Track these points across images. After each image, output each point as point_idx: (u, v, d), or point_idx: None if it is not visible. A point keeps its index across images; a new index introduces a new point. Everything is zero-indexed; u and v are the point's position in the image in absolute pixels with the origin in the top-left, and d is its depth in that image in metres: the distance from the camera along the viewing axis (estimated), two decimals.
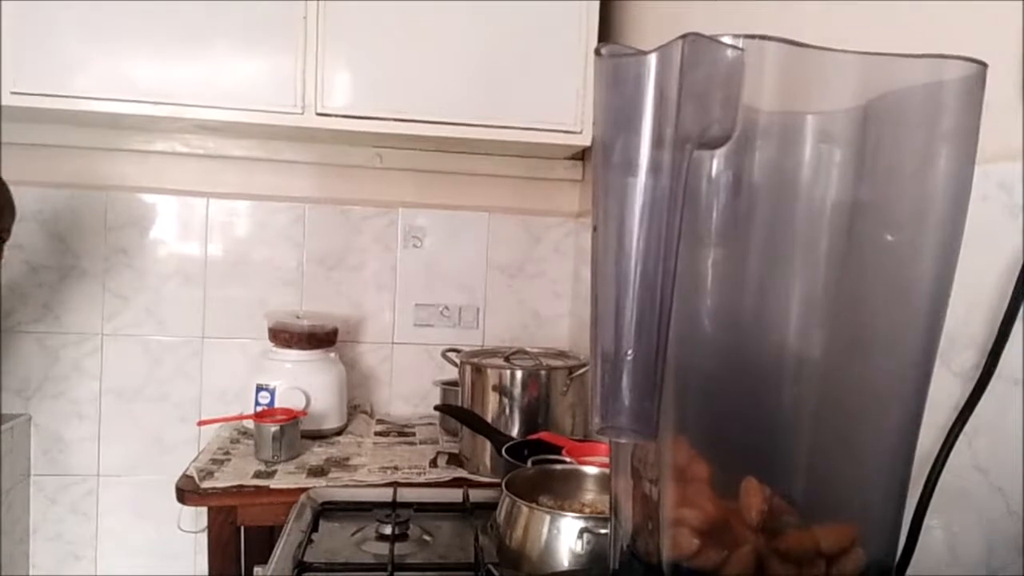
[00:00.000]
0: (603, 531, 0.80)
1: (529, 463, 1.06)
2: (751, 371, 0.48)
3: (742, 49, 0.38)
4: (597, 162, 0.40)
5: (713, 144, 0.40)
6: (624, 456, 0.52)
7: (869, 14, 0.83)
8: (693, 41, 0.36)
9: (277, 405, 1.63)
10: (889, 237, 0.46)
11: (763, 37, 0.38)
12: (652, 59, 0.36)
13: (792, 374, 0.48)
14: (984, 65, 0.43)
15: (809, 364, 0.48)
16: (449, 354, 1.74)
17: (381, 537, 0.96)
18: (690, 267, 0.44)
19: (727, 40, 0.37)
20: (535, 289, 2.04)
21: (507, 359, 1.55)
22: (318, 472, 1.46)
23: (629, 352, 0.37)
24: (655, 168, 0.36)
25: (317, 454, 1.57)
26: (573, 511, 0.90)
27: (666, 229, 0.37)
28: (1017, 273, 0.58)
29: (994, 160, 0.62)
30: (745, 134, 0.42)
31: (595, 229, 0.39)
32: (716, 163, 0.43)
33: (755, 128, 0.43)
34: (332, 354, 1.77)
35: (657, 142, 0.36)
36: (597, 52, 0.38)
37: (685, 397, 0.46)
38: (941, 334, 0.49)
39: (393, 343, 2.00)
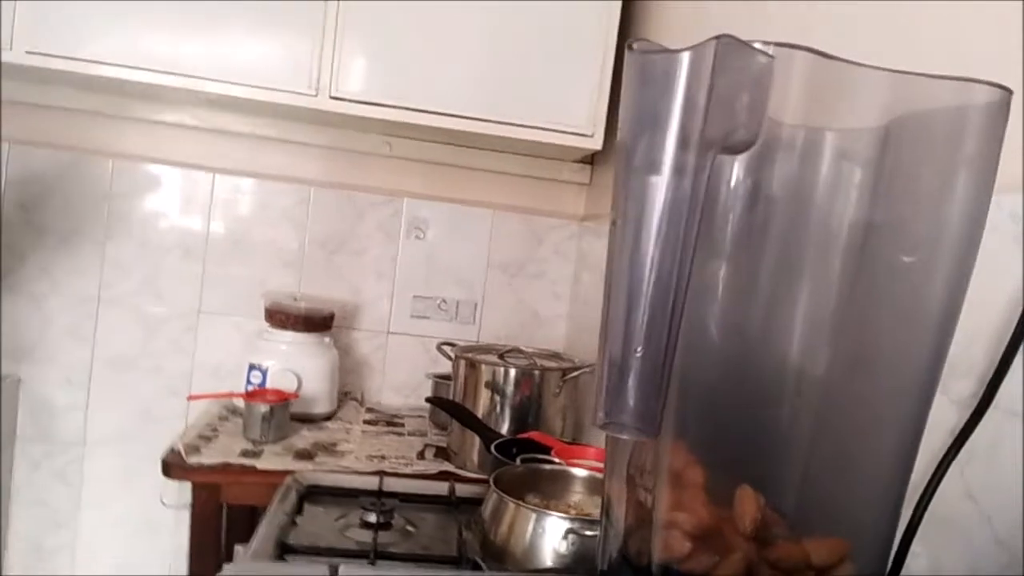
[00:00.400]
0: (589, 533, 0.80)
1: (518, 461, 1.05)
2: (754, 382, 0.48)
3: (772, 56, 0.38)
4: (620, 158, 0.40)
5: (736, 149, 0.40)
6: (620, 459, 0.52)
7: (893, 23, 0.83)
8: (726, 44, 0.36)
9: (268, 386, 1.63)
10: (905, 259, 0.46)
11: (794, 46, 0.38)
12: (684, 58, 0.36)
13: (794, 388, 0.48)
14: (1009, 92, 0.43)
15: (812, 380, 0.48)
16: (444, 347, 1.74)
17: (365, 524, 0.96)
18: (701, 275, 0.44)
19: (758, 46, 0.37)
20: (534, 289, 2.04)
21: (502, 356, 1.55)
22: (305, 455, 1.46)
23: (638, 350, 0.37)
24: (678, 169, 0.36)
25: (305, 437, 1.57)
26: (559, 512, 0.90)
27: (684, 231, 0.37)
28: (1021, 304, 0.58)
29: (1007, 190, 0.62)
30: (766, 145, 0.42)
31: (613, 223, 0.39)
32: (735, 172, 0.43)
33: (777, 140, 0.43)
34: (327, 339, 1.77)
35: (682, 143, 0.36)
36: (629, 47, 0.38)
37: (687, 402, 0.46)
38: (945, 359, 0.49)
39: (388, 332, 2.00)
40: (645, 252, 0.37)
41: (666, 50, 0.37)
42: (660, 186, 0.36)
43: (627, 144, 0.38)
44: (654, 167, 0.36)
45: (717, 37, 0.35)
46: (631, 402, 0.37)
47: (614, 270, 0.38)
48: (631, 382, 0.37)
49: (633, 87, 0.38)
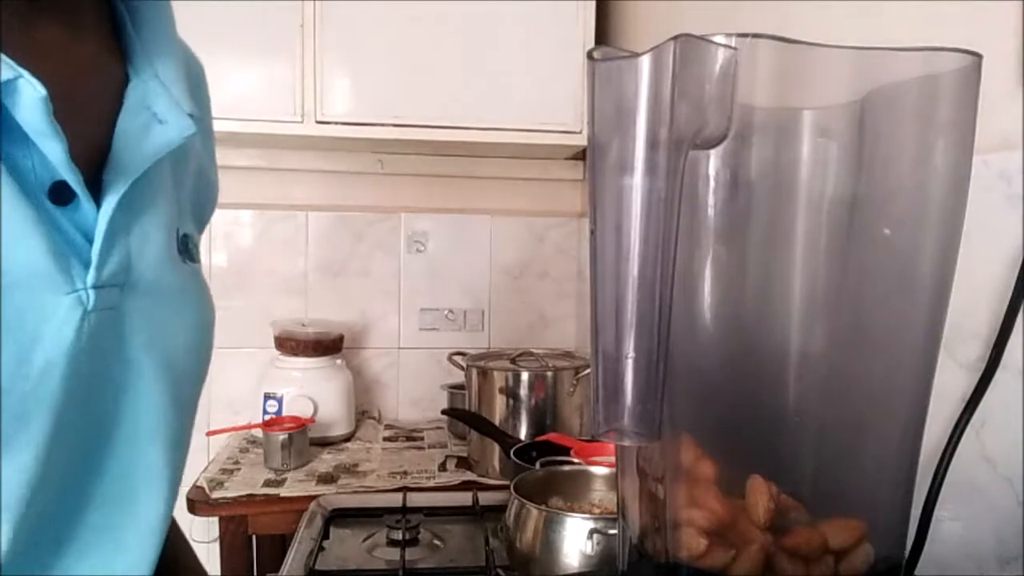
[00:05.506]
0: (613, 531, 0.80)
1: (537, 465, 1.06)
2: (755, 368, 0.48)
3: (735, 48, 0.38)
4: (593, 165, 0.40)
5: (708, 144, 0.40)
6: (630, 456, 0.52)
7: (864, 7, 0.83)
8: (685, 41, 0.36)
9: (285, 413, 1.63)
10: (887, 231, 0.46)
11: (755, 36, 0.38)
12: (644, 61, 0.36)
13: (795, 370, 0.48)
14: (979, 56, 0.43)
15: (812, 360, 0.47)
16: (455, 357, 1.74)
17: (392, 543, 0.97)
18: (691, 266, 0.44)
19: (719, 40, 0.37)
20: (540, 290, 2.04)
21: (513, 361, 1.55)
22: (328, 479, 1.46)
23: (630, 354, 0.37)
24: (651, 170, 0.36)
25: (326, 461, 1.58)
26: (583, 512, 0.90)
27: (663, 230, 0.37)
28: (1019, 265, 0.58)
29: (994, 150, 0.62)
30: (741, 131, 0.42)
31: (592, 232, 0.39)
32: (713, 161, 0.43)
33: (751, 125, 0.43)
34: (339, 361, 1.77)
35: (652, 144, 0.36)
36: (589, 56, 0.38)
37: (689, 396, 0.46)
38: (944, 326, 0.49)
39: (399, 348, 2.00)
40: (627, 256, 0.37)
41: (627, 55, 0.37)
42: (635, 190, 0.36)
43: (599, 151, 0.38)
44: (627, 171, 0.36)
45: (675, 37, 0.35)
46: (628, 407, 0.37)
47: (598, 277, 0.38)
48: (626, 387, 0.37)
49: (598, 94, 0.39)
